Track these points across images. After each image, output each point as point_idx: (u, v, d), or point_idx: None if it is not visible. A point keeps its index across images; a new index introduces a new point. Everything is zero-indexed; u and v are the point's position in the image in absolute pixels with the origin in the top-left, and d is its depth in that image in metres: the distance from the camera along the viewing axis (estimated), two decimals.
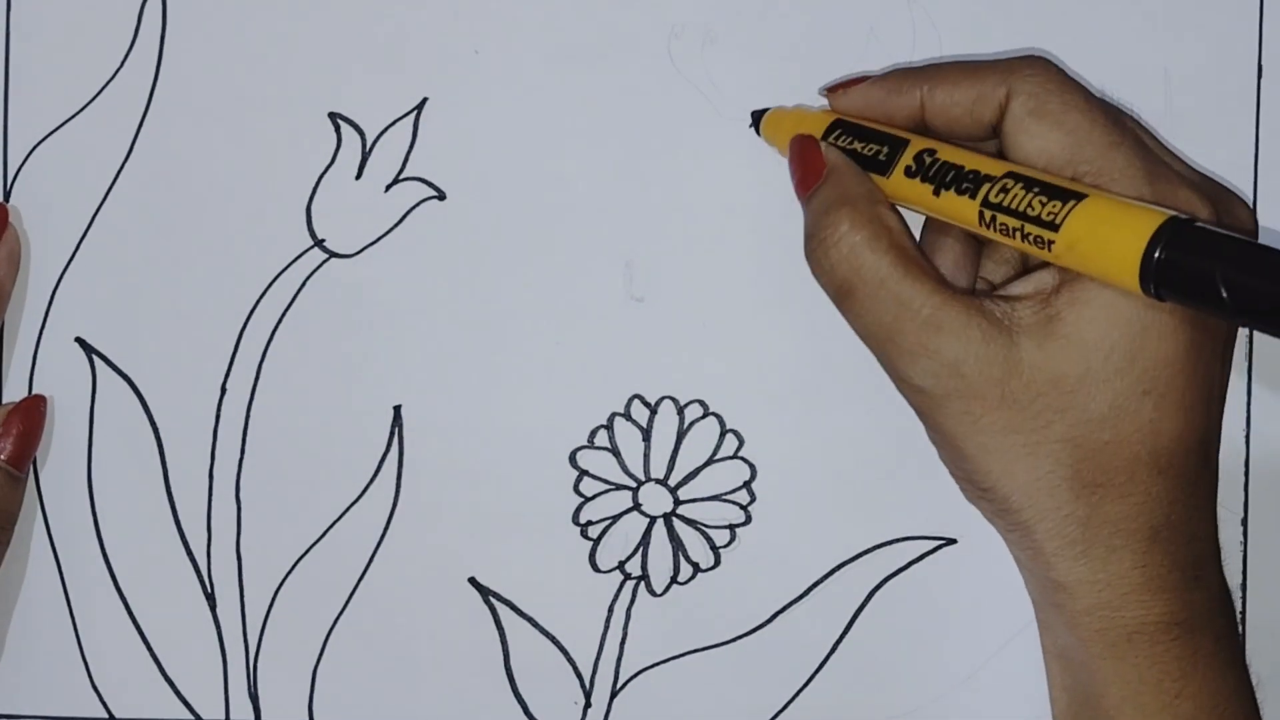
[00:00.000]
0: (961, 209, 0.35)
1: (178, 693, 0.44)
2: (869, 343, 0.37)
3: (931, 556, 0.43)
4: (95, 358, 0.44)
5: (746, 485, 0.43)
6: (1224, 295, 0.30)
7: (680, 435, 0.43)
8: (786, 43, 0.43)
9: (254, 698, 0.44)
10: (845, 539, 0.43)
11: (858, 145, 0.38)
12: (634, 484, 0.43)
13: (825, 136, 0.39)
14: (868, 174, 0.38)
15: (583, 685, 0.43)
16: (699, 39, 0.43)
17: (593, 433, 0.43)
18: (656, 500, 0.43)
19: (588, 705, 0.43)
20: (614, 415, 0.43)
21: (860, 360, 0.42)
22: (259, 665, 0.44)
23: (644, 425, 0.43)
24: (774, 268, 0.43)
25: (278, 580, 0.44)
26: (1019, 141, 0.36)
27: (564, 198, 0.43)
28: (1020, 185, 0.34)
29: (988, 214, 0.35)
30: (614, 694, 0.43)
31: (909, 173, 0.37)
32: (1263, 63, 0.42)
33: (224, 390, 0.43)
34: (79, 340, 0.44)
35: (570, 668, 0.43)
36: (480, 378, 0.43)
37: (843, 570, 0.43)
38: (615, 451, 0.43)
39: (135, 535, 0.44)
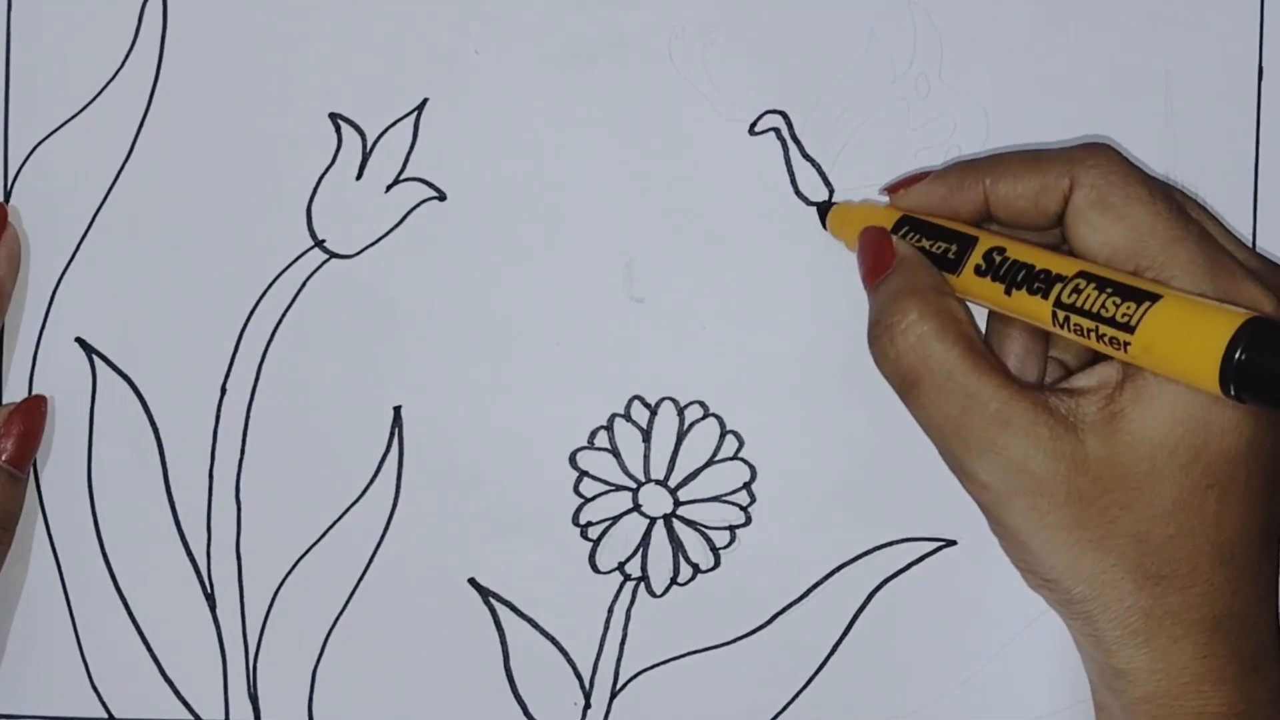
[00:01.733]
0: (1034, 308, 0.35)
1: (177, 693, 0.44)
2: (933, 435, 0.37)
3: (931, 558, 0.43)
4: (95, 358, 0.44)
5: (746, 486, 0.43)
6: None
7: (680, 436, 0.43)
8: (787, 43, 0.43)
9: (254, 698, 0.44)
10: (845, 540, 0.43)
11: (926, 243, 0.38)
12: (634, 485, 0.43)
13: (894, 233, 0.39)
14: (938, 270, 0.38)
15: (582, 686, 0.43)
16: (699, 40, 0.43)
17: (593, 433, 0.43)
18: (656, 501, 0.43)
19: (587, 706, 0.43)
20: (614, 416, 0.43)
21: (860, 362, 0.42)
22: (259, 665, 0.44)
23: (644, 426, 0.43)
24: (774, 269, 0.43)
25: (277, 580, 0.44)
26: (1081, 233, 0.36)
27: (564, 198, 0.43)
28: (1093, 285, 0.34)
29: (1061, 314, 0.35)
30: (614, 695, 0.43)
31: (979, 271, 0.37)
32: (1263, 64, 0.42)
33: (224, 390, 0.43)
34: (79, 340, 0.44)
35: (570, 668, 0.43)
36: (480, 378, 0.43)
37: (842, 572, 0.43)
38: (615, 452, 0.43)
39: (135, 535, 0.44)
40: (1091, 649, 0.37)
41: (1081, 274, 0.34)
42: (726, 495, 0.43)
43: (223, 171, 0.43)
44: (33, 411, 0.43)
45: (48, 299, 0.44)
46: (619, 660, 0.43)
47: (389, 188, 0.43)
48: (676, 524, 0.43)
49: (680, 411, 0.43)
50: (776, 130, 0.43)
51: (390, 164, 0.43)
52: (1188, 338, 0.32)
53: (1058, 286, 0.35)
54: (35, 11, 0.43)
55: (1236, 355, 0.31)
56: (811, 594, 0.43)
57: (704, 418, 0.43)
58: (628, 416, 0.43)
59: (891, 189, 0.40)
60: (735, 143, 0.43)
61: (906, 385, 0.36)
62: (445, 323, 0.43)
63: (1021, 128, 0.42)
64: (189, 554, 0.44)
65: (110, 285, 0.43)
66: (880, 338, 0.37)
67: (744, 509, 0.43)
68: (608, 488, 0.43)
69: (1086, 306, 0.34)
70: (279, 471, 0.43)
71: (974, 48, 0.43)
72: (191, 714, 0.44)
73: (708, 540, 0.43)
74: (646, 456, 0.43)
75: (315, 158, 0.43)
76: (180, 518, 0.44)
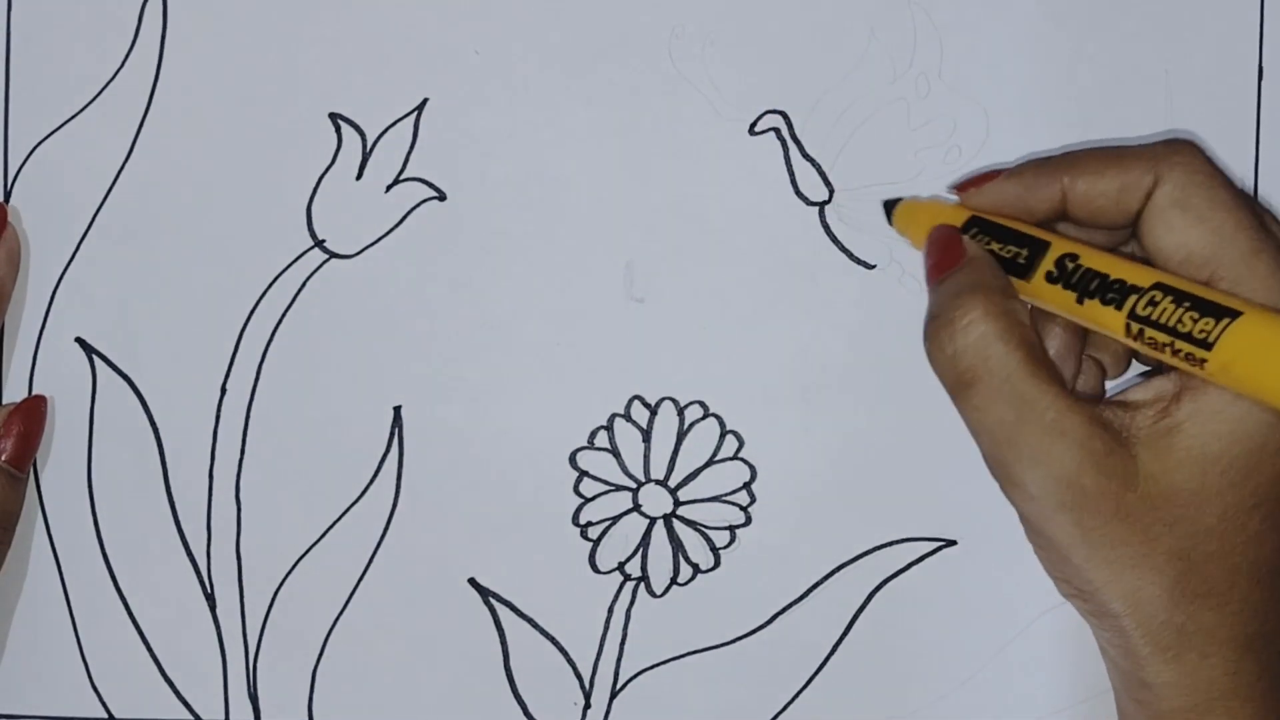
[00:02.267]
0: (1107, 319, 0.34)
1: (177, 693, 0.44)
2: (983, 439, 0.35)
3: (931, 558, 0.43)
4: (95, 358, 0.44)
5: (746, 486, 0.43)
6: None
7: (680, 436, 0.43)
8: (787, 43, 0.43)
9: (254, 698, 0.44)
10: (845, 540, 0.43)
11: (995, 246, 0.37)
12: (634, 485, 0.43)
13: (963, 233, 0.38)
14: (1005, 273, 0.37)
15: (582, 686, 0.43)
16: (699, 39, 0.43)
17: (593, 434, 0.43)
18: (656, 501, 0.43)
19: (587, 706, 0.43)
20: (614, 416, 0.43)
21: (860, 362, 0.42)
22: (259, 665, 0.44)
23: (644, 426, 0.43)
24: (774, 268, 0.43)
25: (277, 580, 0.44)
26: (1158, 233, 0.35)
27: (564, 198, 0.43)
28: (1170, 299, 0.33)
29: (1135, 327, 0.34)
30: (614, 695, 0.43)
31: (1050, 278, 0.35)
32: (1263, 64, 0.42)
33: (224, 390, 0.43)
34: (79, 340, 0.44)
35: (570, 668, 0.43)
36: (480, 378, 0.43)
37: (842, 572, 0.43)
38: (615, 452, 0.43)
39: (135, 535, 0.44)
40: (1119, 659, 0.36)
41: (1158, 285, 0.33)
42: (726, 495, 0.43)
43: (222, 171, 0.43)
44: (32, 411, 0.43)
45: (48, 299, 0.44)
46: (619, 660, 0.43)
47: (389, 188, 0.43)
48: (676, 524, 0.43)
49: (680, 411, 0.43)
50: (776, 130, 0.43)
51: (390, 164, 0.43)
52: (1270, 356, 0.31)
53: (1133, 298, 0.34)
54: (35, 11, 0.43)
55: None
56: (811, 594, 0.43)
57: (704, 418, 0.43)
58: (628, 416, 0.43)
59: (961, 187, 0.39)
60: (735, 143, 0.43)
61: (961, 384, 0.35)
62: (445, 323, 0.43)
63: (1022, 127, 0.42)
64: (189, 554, 0.44)
65: (110, 285, 0.43)
66: (939, 332, 0.36)
67: (744, 509, 0.43)
68: (608, 488, 0.43)
69: (1163, 320, 0.33)
70: (279, 471, 0.43)
71: (974, 47, 0.43)
72: (191, 714, 0.44)
73: (708, 540, 0.43)
74: (646, 456, 0.43)
75: (315, 158, 0.43)
76: (180, 517, 0.44)
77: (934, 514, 0.43)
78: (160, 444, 0.44)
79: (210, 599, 0.44)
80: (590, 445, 0.43)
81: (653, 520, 0.43)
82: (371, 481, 0.43)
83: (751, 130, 0.43)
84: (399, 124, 0.43)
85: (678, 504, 0.43)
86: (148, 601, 0.44)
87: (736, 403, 0.43)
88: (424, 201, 0.43)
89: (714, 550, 0.43)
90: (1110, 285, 0.34)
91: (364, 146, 0.43)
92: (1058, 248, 0.36)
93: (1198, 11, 0.42)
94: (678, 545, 0.43)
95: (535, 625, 0.43)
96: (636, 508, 0.43)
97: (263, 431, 0.43)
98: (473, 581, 0.43)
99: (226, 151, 0.43)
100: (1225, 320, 0.32)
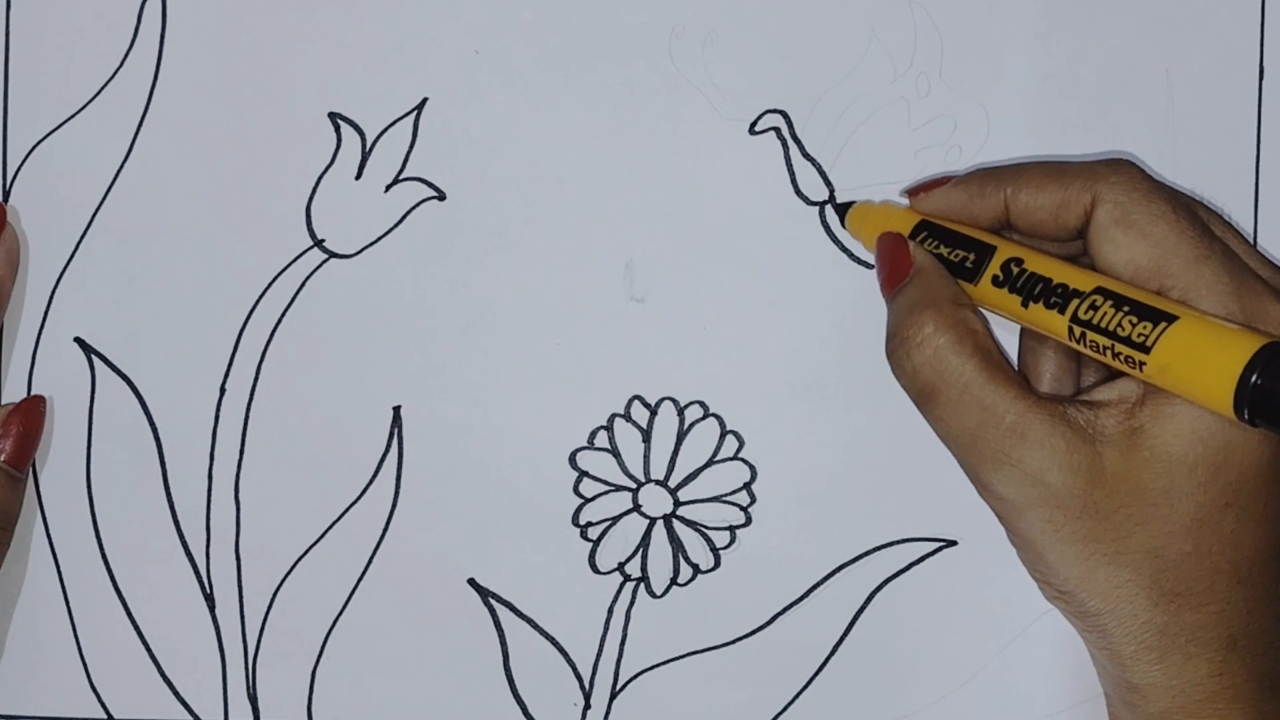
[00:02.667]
0: (1050, 322, 0.35)
1: (176, 694, 0.44)
2: (951, 446, 0.36)
3: (931, 559, 0.43)
4: (95, 358, 0.44)
5: (746, 487, 0.43)
6: None
7: (680, 436, 0.43)
8: (787, 43, 0.43)
9: (253, 699, 0.44)
10: (845, 541, 0.43)
11: (944, 250, 0.38)
12: (634, 485, 0.43)
13: (911, 238, 0.39)
14: (955, 279, 0.38)
15: (582, 687, 0.43)
16: (700, 39, 0.43)
17: (593, 434, 0.43)
18: (656, 501, 0.43)
19: (587, 707, 0.43)
20: (614, 416, 0.43)
21: (860, 362, 0.42)
22: (258, 666, 0.44)
23: (644, 426, 0.43)
24: (775, 269, 0.43)
25: (277, 581, 0.43)
26: (1104, 250, 0.35)
27: (564, 198, 0.43)
28: (1110, 303, 0.34)
29: (1077, 330, 0.34)
30: (613, 695, 0.43)
31: (996, 282, 0.37)
32: (1264, 64, 0.42)
33: (223, 390, 0.43)
34: (78, 340, 0.44)
35: (570, 669, 0.43)
36: (480, 378, 0.43)
37: (843, 572, 0.43)
38: (615, 453, 0.43)
39: (134, 536, 0.44)
40: (1107, 663, 0.37)
41: (1099, 290, 0.34)
42: (726, 495, 0.43)
43: (222, 171, 0.43)
44: (31, 411, 0.43)
45: (47, 299, 0.43)
46: (619, 661, 0.43)
47: (388, 187, 0.43)
48: (676, 524, 0.43)
49: (680, 411, 0.43)
50: (777, 130, 0.43)
51: (390, 163, 0.43)
52: (1203, 360, 0.32)
53: (1075, 302, 0.35)
54: (35, 11, 0.43)
55: (1252, 380, 0.31)
56: (812, 594, 0.43)
57: (704, 418, 0.43)
58: (628, 417, 0.43)
59: (912, 192, 0.40)
60: (735, 142, 0.43)
61: (923, 397, 0.36)
62: (445, 323, 0.43)
63: (1022, 127, 0.42)
64: (188, 554, 0.44)
65: (109, 285, 0.43)
66: (897, 350, 0.37)
67: (744, 509, 0.43)
68: (608, 488, 0.43)
69: (1103, 324, 0.34)
70: (278, 472, 0.43)
71: (974, 47, 0.42)
72: (191, 714, 0.44)
73: (708, 540, 0.43)
74: (646, 457, 0.43)
75: (315, 157, 0.43)
76: (179, 518, 0.44)
77: (934, 514, 0.43)
78: (159, 444, 0.43)
79: (209, 599, 0.44)
80: (590, 445, 0.43)
81: (653, 520, 0.43)
82: (371, 482, 0.43)
83: (752, 130, 0.43)
84: (399, 123, 0.43)
85: (678, 504, 0.43)
86: (147, 602, 0.44)
87: (737, 403, 0.43)
88: (423, 201, 0.43)
89: (714, 550, 0.43)
90: (1053, 289, 0.35)
91: (363, 146, 0.43)
92: (1004, 252, 0.37)
93: (1198, 11, 0.42)
94: (678, 545, 0.43)
95: (535, 625, 0.43)
96: (636, 508, 0.43)
97: (262, 431, 0.43)
98: (472, 582, 0.43)
99: (225, 151, 0.43)
100: (1162, 324, 0.33)
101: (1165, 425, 0.34)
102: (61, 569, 0.44)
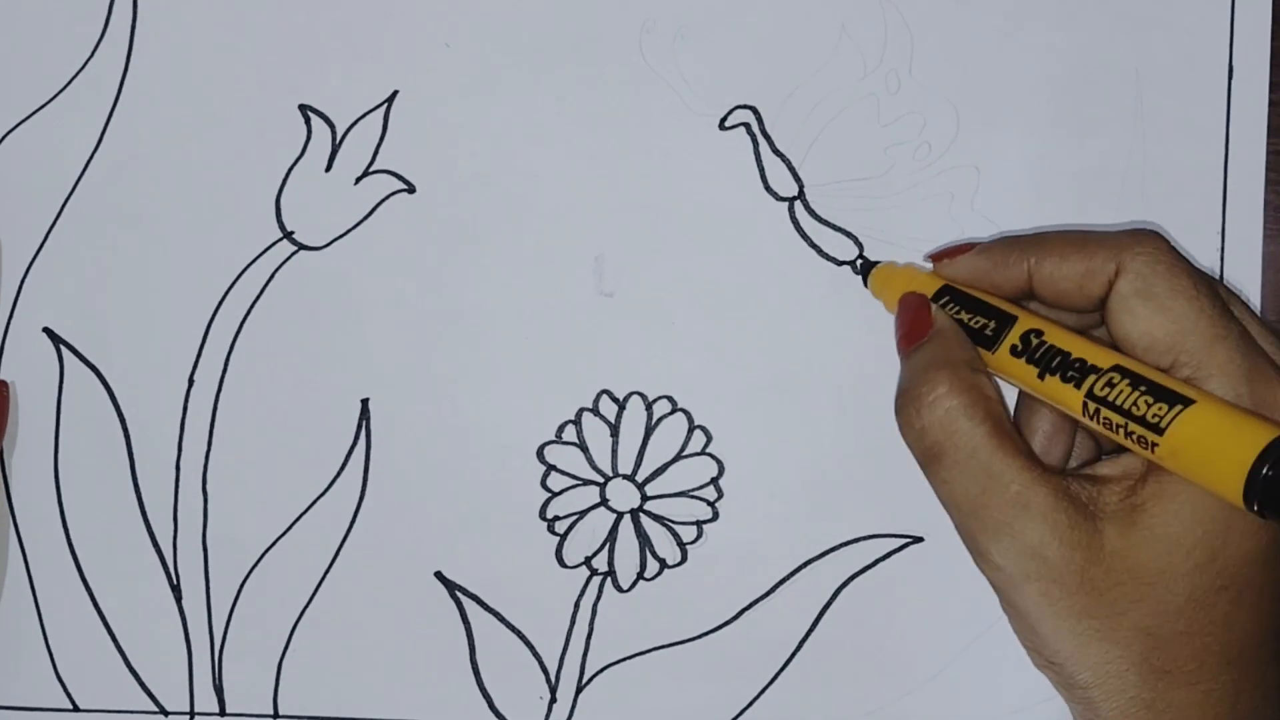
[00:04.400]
0: (1065, 396, 0.35)
1: (142, 684, 0.44)
2: (951, 511, 0.36)
3: (898, 555, 0.43)
4: (63, 348, 0.44)
5: (714, 481, 0.43)
6: None
7: (648, 431, 0.43)
8: (758, 38, 0.43)
9: (219, 689, 0.44)
10: (812, 536, 0.43)
11: (964, 316, 0.38)
12: (601, 479, 0.43)
13: (933, 301, 0.39)
14: (973, 345, 0.37)
15: (548, 680, 0.43)
16: (670, 34, 0.43)
17: (560, 428, 0.43)
18: (624, 496, 0.43)
19: (553, 700, 0.43)
20: (582, 410, 0.43)
21: (829, 357, 0.42)
22: (224, 657, 0.44)
23: (612, 421, 0.43)
24: (744, 264, 0.43)
25: (244, 572, 0.43)
26: (1122, 320, 0.35)
27: (534, 192, 0.43)
28: (1126, 381, 0.34)
29: (1092, 405, 0.34)
30: (579, 689, 0.43)
31: (1014, 351, 0.36)
32: (1234, 63, 0.42)
33: (191, 382, 0.43)
34: (47, 330, 0.44)
35: (536, 662, 0.43)
36: (448, 371, 0.43)
37: (809, 567, 0.43)
38: (583, 447, 0.43)
39: (101, 526, 0.43)
40: None
41: (1117, 368, 0.34)
42: (694, 490, 0.43)
43: (192, 162, 0.43)
44: None
45: (15, 289, 0.43)
46: (585, 655, 0.43)
47: (358, 180, 0.43)
48: (644, 519, 0.43)
49: (648, 406, 0.43)
50: (747, 125, 0.43)
51: (360, 156, 0.43)
52: (1215, 447, 0.32)
53: (1091, 378, 0.34)
54: (4, 1, 0.43)
55: (1263, 471, 0.31)
56: (778, 589, 0.43)
57: (672, 412, 0.43)
58: (596, 411, 0.43)
59: (935, 257, 0.40)
60: (705, 138, 0.43)
61: (929, 458, 0.36)
62: (414, 315, 0.43)
63: (991, 125, 0.42)
64: (155, 545, 0.44)
65: (78, 276, 0.43)
66: (907, 407, 0.36)
67: (711, 504, 0.43)
68: (575, 482, 0.43)
69: (1118, 402, 0.34)
70: (246, 463, 0.43)
71: (945, 44, 0.42)
72: (156, 705, 0.44)
73: (675, 535, 0.43)
74: (614, 451, 0.43)
75: (284, 149, 0.43)
76: (147, 509, 0.43)
77: (901, 510, 0.43)
78: (127, 435, 0.43)
79: (176, 590, 0.44)
80: (558, 439, 0.43)
81: (620, 515, 0.43)
82: (339, 474, 0.43)
83: (722, 125, 0.43)
84: (369, 116, 0.43)
85: (645, 499, 0.43)
86: (113, 592, 0.44)
87: (705, 398, 0.43)
88: (393, 194, 0.43)
89: (681, 545, 0.43)
90: (1071, 363, 0.35)
91: (333, 138, 0.43)
92: (1024, 323, 0.37)
93: (1168, 9, 0.42)
94: (645, 540, 0.43)
95: (501, 619, 0.43)
96: (604, 502, 0.43)
97: (230, 423, 0.43)
98: (439, 575, 0.43)
99: (195, 142, 0.43)
100: (1178, 407, 0.33)
101: (1167, 505, 0.34)
102: (28, 559, 0.44)
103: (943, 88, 0.42)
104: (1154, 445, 0.33)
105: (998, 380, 0.37)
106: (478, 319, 0.43)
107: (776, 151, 0.43)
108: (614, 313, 0.43)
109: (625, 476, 0.43)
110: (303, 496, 0.43)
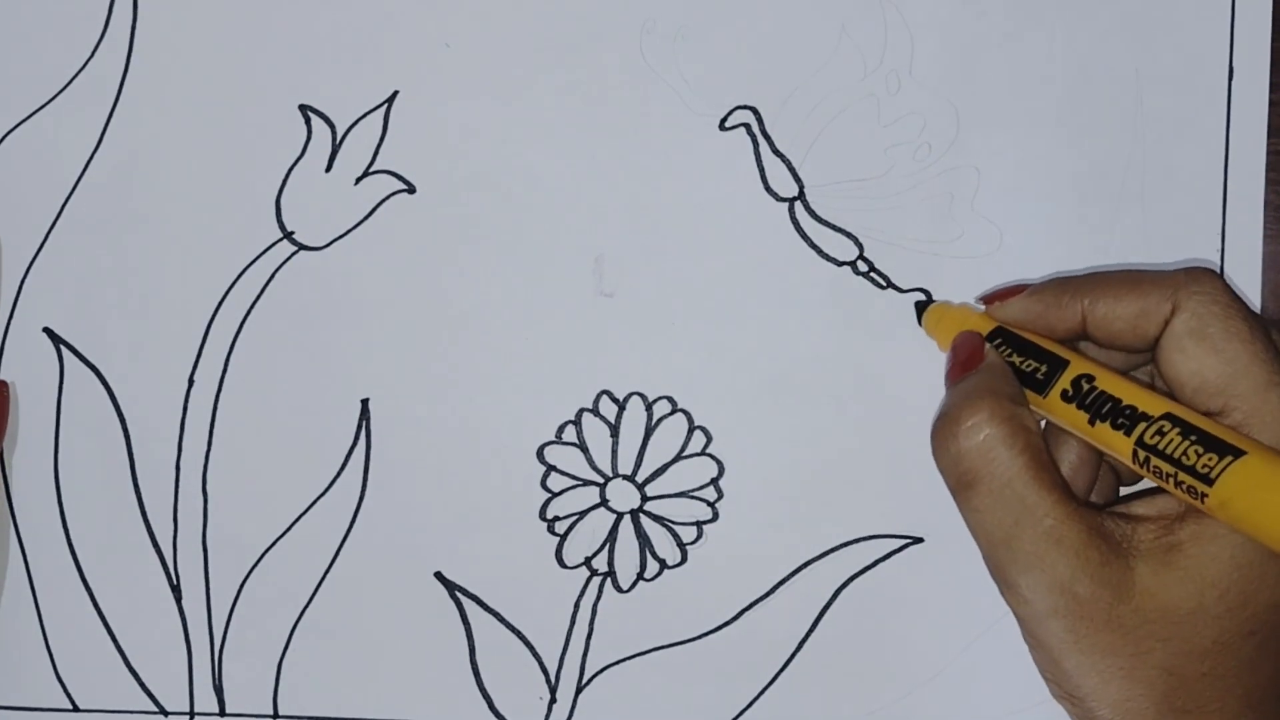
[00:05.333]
0: (1116, 443, 0.35)
1: (142, 684, 0.44)
2: (981, 540, 0.36)
3: (898, 555, 0.43)
4: (63, 348, 0.44)
5: (714, 482, 0.43)
6: None
7: (648, 431, 0.43)
8: (758, 39, 0.43)
9: (219, 690, 0.44)
10: (812, 537, 0.43)
11: (1017, 359, 0.38)
12: (601, 480, 0.43)
13: (988, 340, 0.39)
14: (1021, 385, 0.37)
15: (548, 680, 0.43)
16: (671, 35, 0.43)
17: (560, 428, 0.43)
18: (624, 496, 0.43)
19: (553, 700, 0.43)
20: (582, 411, 0.43)
21: (829, 358, 0.42)
22: (224, 657, 0.44)
23: (612, 421, 0.43)
24: (744, 265, 0.43)
25: (244, 572, 0.43)
26: (1174, 360, 0.35)
27: (534, 192, 0.43)
28: (1177, 430, 0.34)
29: (1141, 454, 0.34)
30: (579, 690, 0.43)
31: (1065, 397, 0.36)
32: (1234, 64, 0.42)
33: (191, 382, 0.43)
34: (47, 330, 0.44)
35: (536, 663, 0.43)
36: (449, 372, 0.43)
37: (809, 568, 0.43)
38: (583, 447, 0.43)
39: (101, 526, 0.43)
40: None
41: (1167, 416, 0.34)
42: (694, 491, 0.43)
43: (192, 163, 0.43)
44: None
45: (15, 289, 0.43)
46: (585, 655, 0.43)
47: (358, 180, 0.43)
48: (644, 519, 0.43)
49: (648, 406, 0.43)
50: (747, 126, 0.43)
51: (360, 156, 0.43)
52: (1267, 500, 0.32)
53: (1142, 425, 0.34)
54: (4, 1, 0.43)
55: None
56: (778, 590, 0.43)
57: (672, 413, 0.43)
58: (596, 411, 0.43)
59: (988, 299, 0.40)
60: (705, 138, 0.43)
61: (963, 484, 0.36)
62: (414, 316, 0.43)
63: (991, 125, 0.42)
64: (155, 545, 0.44)
65: (78, 276, 0.43)
66: (944, 431, 0.36)
67: (711, 505, 0.43)
68: (575, 482, 0.43)
69: (1168, 451, 0.34)
70: (246, 463, 0.43)
71: (945, 44, 0.42)
72: (156, 705, 0.44)
73: (675, 536, 0.43)
74: (614, 451, 0.43)
75: (285, 149, 0.43)
76: (147, 509, 0.43)
77: (901, 511, 0.43)
78: (127, 435, 0.43)
79: (176, 590, 0.44)
80: (558, 440, 0.43)
81: (620, 515, 0.43)
82: (339, 474, 0.43)
83: (722, 126, 0.43)
84: (369, 116, 0.43)
85: (645, 499, 0.43)
86: (113, 593, 0.44)
87: (705, 398, 0.43)
88: (393, 194, 0.43)
89: (681, 546, 0.43)
90: (1122, 410, 0.35)
91: (334, 139, 0.43)
92: (1075, 368, 0.37)
93: (1169, 10, 0.42)
94: (645, 541, 0.43)
95: (501, 619, 0.43)
96: (604, 503, 0.43)
97: (230, 423, 0.43)
98: (439, 575, 0.43)
99: (196, 143, 0.43)
100: (1229, 458, 0.33)
101: (1205, 548, 0.34)
102: (28, 559, 0.44)
103: (943, 88, 0.42)
104: (1204, 496, 0.33)
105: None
106: (478, 319, 0.43)
107: (776, 152, 0.43)
108: (614, 313, 0.43)
109: (625, 477, 0.43)
110: (303, 496, 0.43)
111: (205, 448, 0.43)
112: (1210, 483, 0.33)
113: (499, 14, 0.43)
